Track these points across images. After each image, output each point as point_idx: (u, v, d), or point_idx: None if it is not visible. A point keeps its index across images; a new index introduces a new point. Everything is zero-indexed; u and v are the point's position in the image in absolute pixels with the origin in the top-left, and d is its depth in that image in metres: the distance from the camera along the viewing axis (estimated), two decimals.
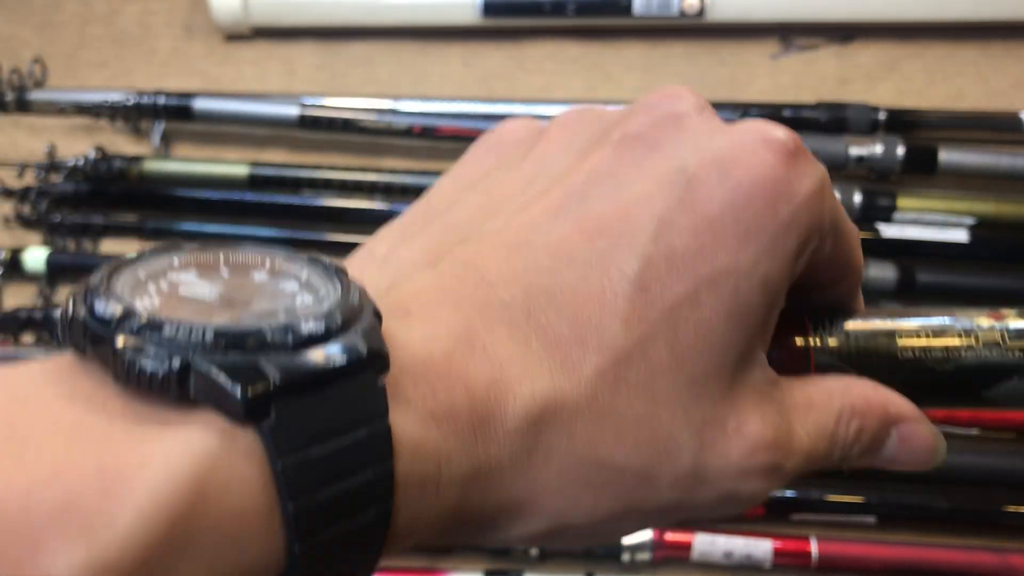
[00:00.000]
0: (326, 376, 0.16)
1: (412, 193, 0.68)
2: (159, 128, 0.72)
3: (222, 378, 0.15)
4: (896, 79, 0.70)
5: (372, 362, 0.17)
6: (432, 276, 0.21)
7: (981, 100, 0.69)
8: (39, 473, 0.14)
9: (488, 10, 0.70)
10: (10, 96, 0.71)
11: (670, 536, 0.62)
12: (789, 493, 0.62)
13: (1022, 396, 0.23)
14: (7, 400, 0.16)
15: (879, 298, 0.64)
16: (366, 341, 0.17)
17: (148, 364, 0.15)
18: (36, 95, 0.72)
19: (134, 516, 0.14)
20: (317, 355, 0.16)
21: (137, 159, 0.71)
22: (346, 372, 0.17)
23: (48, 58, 0.75)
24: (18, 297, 0.71)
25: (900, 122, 0.67)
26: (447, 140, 0.68)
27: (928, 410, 0.23)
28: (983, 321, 0.23)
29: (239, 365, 0.16)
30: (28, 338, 0.69)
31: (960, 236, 0.65)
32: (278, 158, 0.72)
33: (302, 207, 0.69)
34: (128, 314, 0.16)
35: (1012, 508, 0.62)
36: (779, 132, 0.21)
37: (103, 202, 0.71)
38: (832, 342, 0.23)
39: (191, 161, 0.71)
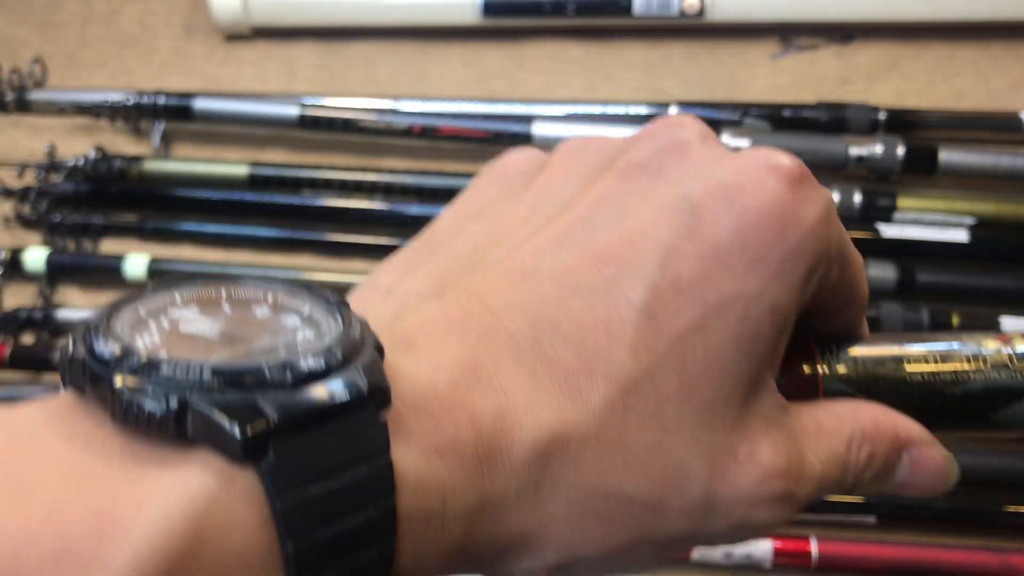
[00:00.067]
0: (325, 413, 0.16)
1: (412, 193, 0.68)
2: (159, 128, 0.72)
3: (220, 417, 0.15)
4: (896, 79, 0.70)
5: (372, 397, 0.17)
6: (437, 307, 0.21)
7: (981, 100, 0.69)
8: (34, 517, 0.14)
9: (488, 10, 0.70)
10: (10, 96, 0.71)
11: None
12: None
13: None
14: (5, 441, 0.15)
15: (879, 298, 0.64)
16: (367, 376, 0.17)
17: (146, 404, 0.15)
18: (36, 95, 0.72)
19: (131, 560, 0.14)
20: (316, 392, 0.16)
21: (137, 159, 0.71)
22: (346, 408, 0.16)
23: (48, 58, 0.75)
24: (18, 297, 0.71)
25: (900, 122, 0.67)
26: (447, 140, 0.68)
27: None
28: (990, 344, 0.23)
29: (237, 404, 0.16)
30: (28, 338, 0.69)
31: (960, 236, 0.65)
32: (278, 158, 0.72)
33: (302, 207, 0.69)
34: (127, 353, 0.16)
35: (1012, 508, 0.62)
36: (784, 159, 0.21)
37: (103, 202, 0.71)
38: (840, 368, 0.23)
39: (191, 161, 0.71)
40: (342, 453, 0.16)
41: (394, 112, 0.69)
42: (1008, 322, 0.63)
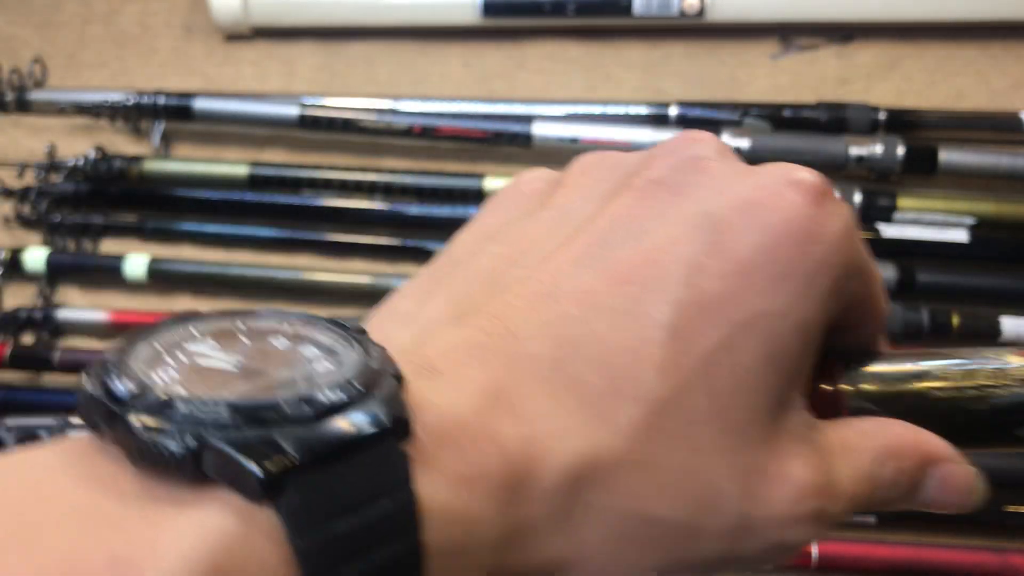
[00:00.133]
0: (346, 448, 0.16)
1: (412, 193, 0.68)
2: (159, 128, 0.72)
3: (238, 455, 0.15)
4: (896, 79, 0.70)
5: (395, 429, 0.16)
6: (457, 332, 0.20)
7: (981, 100, 0.69)
8: (50, 563, 0.14)
9: (488, 10, 0.70)
10: (10, 96, 0.71)
11: None
12: None
13: None
14: (20, 485, 0.15)
15: None
16: (387, 408, 0.16)
17: (163, 443, 0.15)
18: (36, 95, 0.72)
19: None
20: (336, 426, 0.16)
21: (137, 159, 0.71)
22: (368, 442, 0.16)
23: (48, 58, 0.75)
24: (18, 297, 0.71)
25: (900, 122, 0.67)
26: (447, 140, 0.68)
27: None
28: (1013, 359, 0.23)
29: (255, 441, 0.15)
30: (28, 338, 0.69)
31: (960, 236, 0.65)
32: (278, 158, 0.72)
33: (302, 207, 0.69)
34: (143, 391, 0.16)
35: (1012, 508, 0.62)
36: (805, 174, 0.20)
37: (103, 202, 0.71)
38: (863, 385, 0.22)
39: (191, 161, 0.71)
40: (364, 488, 0.16)
41: (394, 112, 0.69)
42: (1008, 322, 0.63)
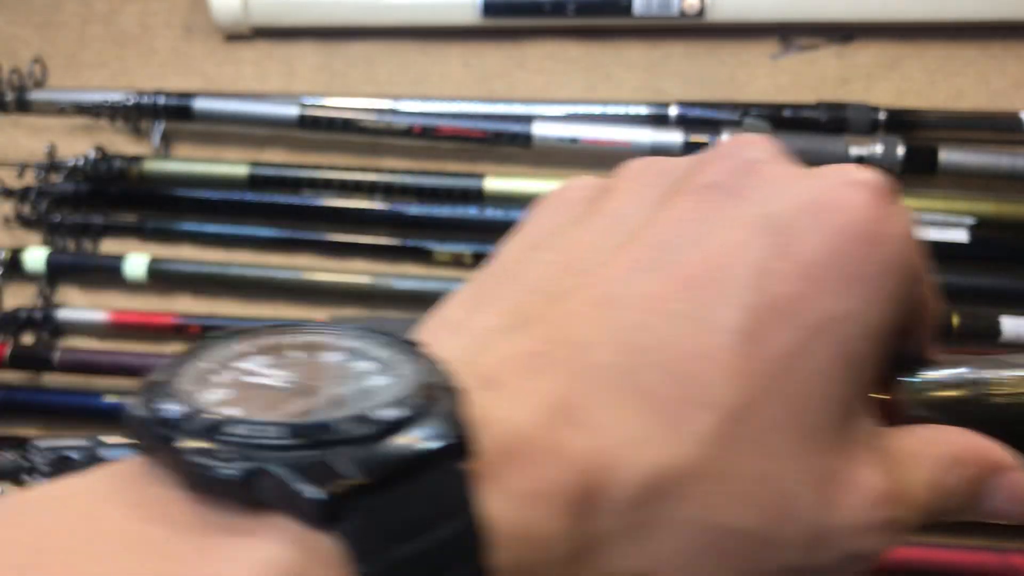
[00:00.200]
0: (408, 468, 0.15)
1: (412, 193, 0.68)
2: (159, 128, 0.72)
3: (294, 479, 0.14)
4: (896, 79, 0.70)
5: (458, 447, 0.16)
6: (517, 341, 0.19)
7: (981, 100, 0.69)
8: None
9: (488, 10, 0.70)
10: (10, 96, 0.71)
11: None
12: None
13: None
14: (70, 516, 0.15)
15: None
16: (449, 424, 0.16)
17: (214, 467, 0.14)
18: (36, 95, 0.72)
19: None
20: (397, 445, 0.15)
21: (137, 159, 0.71)
22: (430, 461, 0.15)
23: (48, 58, 0.75)
24: (18, 297, 0.71)
25: (900, 122, 0.67)
26: (447, 140, 0.68)
27: None
28: None
29: (312, 464, 0.14)
30: (28, 338, 0.69)
31: (960, 236, 0.65)
32: (278, 158, 0.72)
33: (302, 207, 0.69)
34: (192, 413, 0.15)
35: None
36: (866, 174, 0.20)
37: (103, 202, 0.71)
38: (921, 391, 0.22)
39: (191, 161, 0.71)
40: (428, 510, 0.15)
41: (394, 112, 0.69)
42: (1008, 322, 0.63)
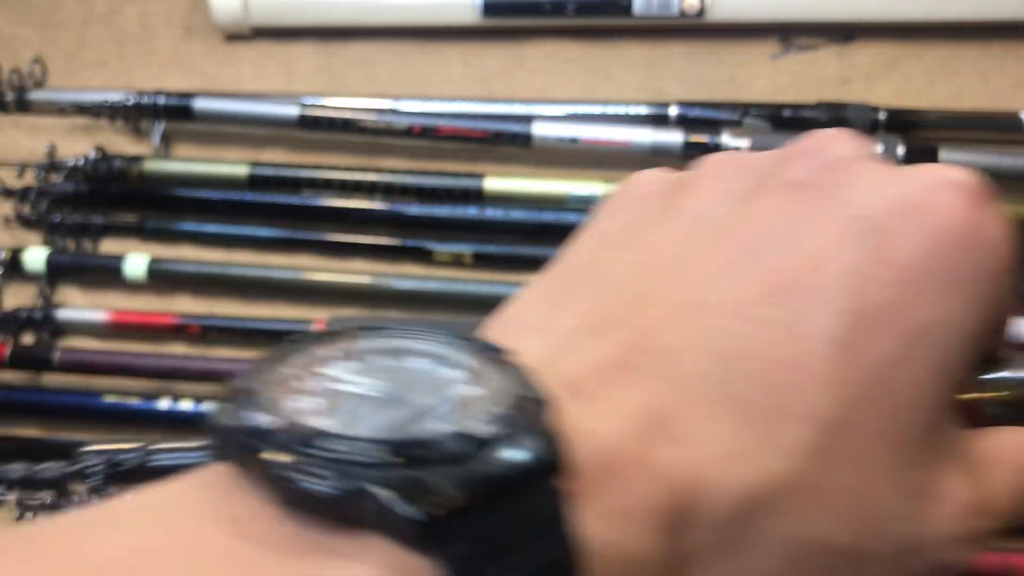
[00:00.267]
0: (509, 487, 0.15)
1: (412, 193, 0.68)
2: (159, 128, 0.72)
3: (393, 500, 0.14)
4: (896, 79, 0.70)
5: (554, 465, 0.15)
6: (601, 346, 0.19)
7: (981, 100, 0.69)
8: None
9: (488, 10, 0.70)
10: (10, 96, 0.71)
11: None
12: None
13: None
14: (161, 527, 0.14)
15: None
16: (545, 441, 0.15)
17: (306, 483, 0.14)
18: (36, 95, 0.72)
19: None
20: (495, 465, 0.15)
21: (137, 159, 0.71)
22: (530, 480, 0.15)
23: (48, 58, 0.75)
24: (18, 297, 0.71)
25: (900, 122, 0.67)
26: (447, 140, 0.68)
27: None
28: None
29: (411, 483, 0.14)
30: (28, 338, 0.69)
31: None
32: (278, 158, 0.72)
33: (302, 207, 0.69)
34: (283, 425, 0.15)
35: None
36: (962, 174, 0.19)
37: (103, 202, 0.71)
38: (1000, 392, 0.21)
39: (191, 161, 0.71)
40: (525, 531, 0.15)
41: (394, 112, 0.69)
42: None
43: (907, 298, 0.18)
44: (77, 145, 0.72)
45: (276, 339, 0.66)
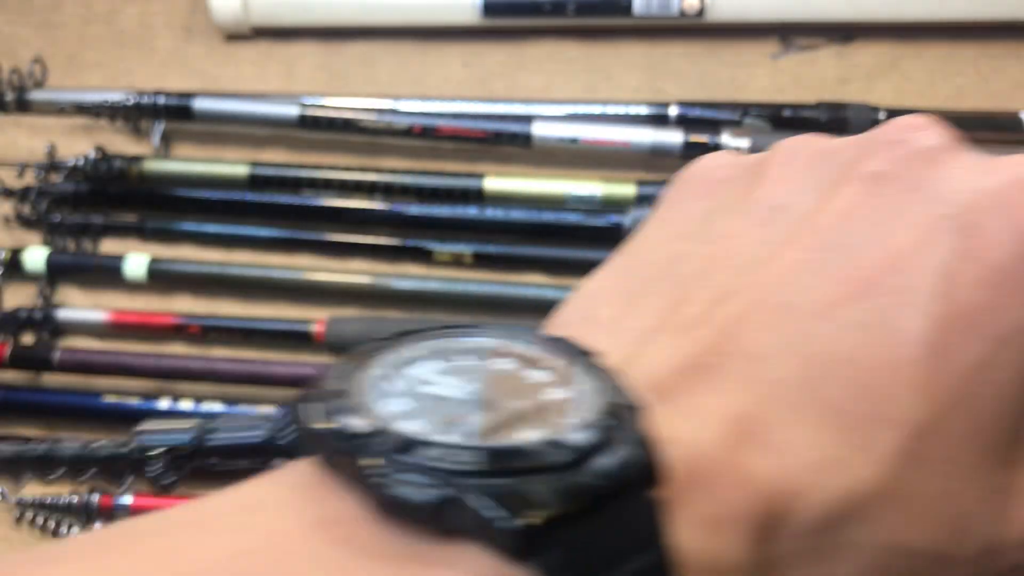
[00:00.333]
0: (606, 497, 0.14)
1: (412, 193, 0.68)
2: (159, 128, 0.72)
3: (491, 509, 0.14)
4: (896, 79, 0.70)
5: (649, 473, 0.15)
6: (682, 348, 0.18)
7: (981, 100, 0.69)
8: None
9: (488, 10, 0.70)
10: (10, 96, 0.71)
11: None
12: None
13: None
14: (254, 528, 0.14)
15: None
16: (640, 449, 0.15)
17: (402, 491, 0.14)
18: (36, 95, 0.72)
19: None
20: (592, 474, 0.15)
21: (137, 159, 0.71)
22: (624, 489, 0.15)
23: (48, 58, 0.75)
24: (18, 297, 0.71)
25: None
26: (447, 140, 0.68)
27: None
28: None
29: (509, 492, 0.14)
30: (28, 338, 0.69)
31: None
32: (278, 158, 0.72)
33: (302, 207, 0.69)
34: (377, 429, 0.14)
35: None
36: None
37: (103, 202, 0.71)
38: None
39: (191, 161, 0.71)
40: (621, 540, 0.14)
41: (394, 112, 0.69)
42: None
43: (998, 300, 0.18)
44: (77, 145, 0.72)
45: (276, 339, 0.66)
